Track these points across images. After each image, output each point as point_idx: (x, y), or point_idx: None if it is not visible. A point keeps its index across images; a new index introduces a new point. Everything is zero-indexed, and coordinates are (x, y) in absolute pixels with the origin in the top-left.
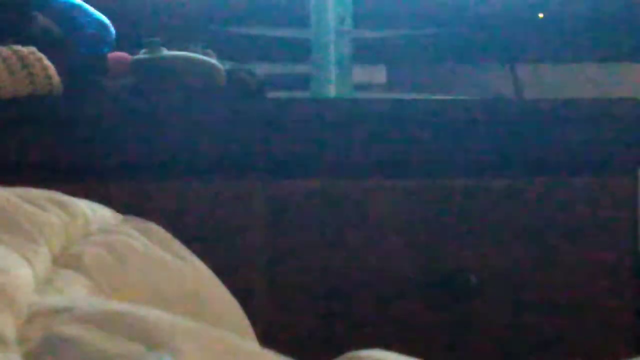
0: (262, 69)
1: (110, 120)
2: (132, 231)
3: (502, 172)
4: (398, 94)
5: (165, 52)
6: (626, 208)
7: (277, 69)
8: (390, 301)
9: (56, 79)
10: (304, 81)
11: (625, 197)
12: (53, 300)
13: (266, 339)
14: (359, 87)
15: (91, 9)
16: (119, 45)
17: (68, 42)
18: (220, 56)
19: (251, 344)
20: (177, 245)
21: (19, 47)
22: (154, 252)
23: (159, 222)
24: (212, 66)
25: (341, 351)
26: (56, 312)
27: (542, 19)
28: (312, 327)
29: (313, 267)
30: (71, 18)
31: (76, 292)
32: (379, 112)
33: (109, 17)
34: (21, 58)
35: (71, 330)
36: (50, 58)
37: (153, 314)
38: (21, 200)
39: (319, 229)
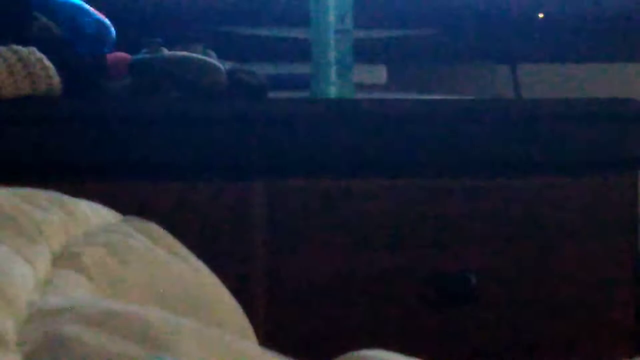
0: (262, 69)
1: (110, 121)
2: (132, 231)
3: (502, 172)
4: (398, 94)
5: (165, 52)
6: (626, 208)
7: (277, 69)
8: (390, 301)
9: (56, 79)
10: (304, 81)
11: (625, 197)
12: (53, 300)
13: (266, 339)
14: (359, 87)
15: (91, 9)
16: (119, 45)
17: (68, 42)
18: (220, 56)
19: (251, 344)
20: (177, 245)
21: (19, 47)
22: (154, 252)
23: (159, 222)
24: (212, 66)
25: (341, 351)
26: (56, 312)
27: (542, 19)
28: (312, 327)
29: (313, 267)
30: (71, 18)
31: (76, 292)
32: (379, 112)
33: (109, 17)
34: (21, 58)
35: (71, 330)
36: (50, 58)
37: (153, 314)
38: (21, 200)
39: (319, 229)
